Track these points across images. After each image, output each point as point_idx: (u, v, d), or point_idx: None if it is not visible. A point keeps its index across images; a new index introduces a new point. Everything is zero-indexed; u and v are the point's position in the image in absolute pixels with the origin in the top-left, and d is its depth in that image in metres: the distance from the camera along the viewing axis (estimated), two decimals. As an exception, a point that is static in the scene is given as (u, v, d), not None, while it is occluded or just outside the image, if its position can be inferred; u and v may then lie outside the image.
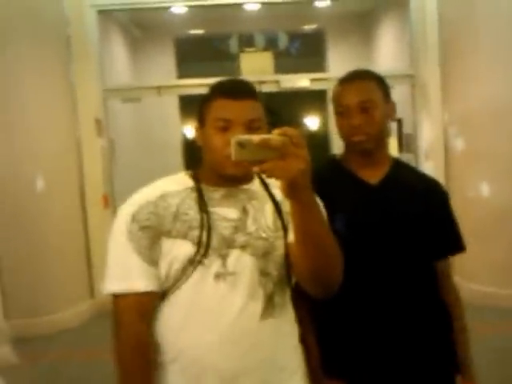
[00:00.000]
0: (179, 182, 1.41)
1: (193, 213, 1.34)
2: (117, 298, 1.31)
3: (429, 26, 5.33)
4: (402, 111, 5.89)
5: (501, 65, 4.63)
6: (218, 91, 1.36)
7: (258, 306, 1.32)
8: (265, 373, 1.34)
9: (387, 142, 1.72)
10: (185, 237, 1.31)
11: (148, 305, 1.31)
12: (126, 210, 1.35)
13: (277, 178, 1.04)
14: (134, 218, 1.33)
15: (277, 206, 1.40)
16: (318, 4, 6.71)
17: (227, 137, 1.26)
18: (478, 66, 4.73)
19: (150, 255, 1.31)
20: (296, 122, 10.14)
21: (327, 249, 1.20)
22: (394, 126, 6.53)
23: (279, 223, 1.38)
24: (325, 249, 1.19)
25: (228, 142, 1.20)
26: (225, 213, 1.35)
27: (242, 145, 1.03)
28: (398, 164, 1.74)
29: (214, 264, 1.30)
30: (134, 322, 1.29)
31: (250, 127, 1.30)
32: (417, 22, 5.53)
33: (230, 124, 1.30)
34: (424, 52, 5.43)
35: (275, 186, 1.41)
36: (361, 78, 1.66)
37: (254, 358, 1.32)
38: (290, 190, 1.06)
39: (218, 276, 1.30)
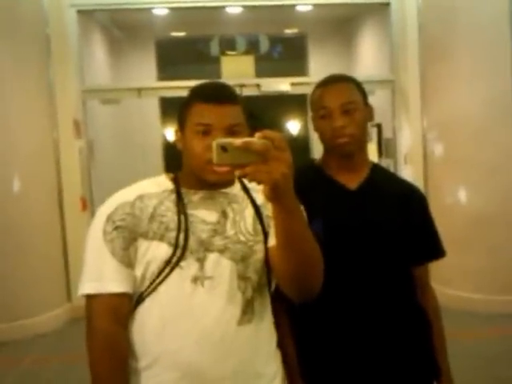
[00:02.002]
0: (158, 183, 1.40)
1: (170, 214, 1.32)
2: (90, 299, 1.29)
3: (409, 32, 5.39)
4: (381, 116, 5.98)
5: (479, 72, 4.69)
6: (197, 95, 1.35)
7: (236, 310, 1.31)
8: (242, 379, 1.32)
9: (367, 146, 1.72)
10: (161, 238, 1.30)
11: (121, 307, 1.29)
12: (103, 210, 1.34)
13: (259, 181, 1.03)
14: (110, 218, 1.31)
15: (257, 210, 1.39)
16: (299, 8, 6.71)
17: (207, 141, 1.25)
18: (457, 73, 4.79)
19: (125, 256, 1.29)
20: (277, 126, 10.15)
21: (309, 252, 1.19)
22: (373, 130, 6.57)
23: (259, 227, 1.37)
24: (306, 252, 1.18)
25: (208, 147, 1.20)
26: (203, 215, 1.34)
27: (223, 148, 1.01)
28: (376, 169, 1.74)
29: (191, 267, 1.29)
30: (107, 324, 1.27)
31: (231, 132, 1.29)
32: (397, 28, 5.59)
33: (210, 128, 1.29)
34: (404, 58, 5.48)
35: (256, 189, 1.40)
36: (341, 80, 1.66)
37: (232, 363, 1.30)
38: (273, 194, 1.05)
39: (196, 279, 1.29)
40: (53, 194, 5.05)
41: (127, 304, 1.31)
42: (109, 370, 1.26)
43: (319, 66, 8.15)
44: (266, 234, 1.37)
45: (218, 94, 1.33)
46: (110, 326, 1.27)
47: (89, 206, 5.34)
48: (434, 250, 1.74)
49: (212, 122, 1.29)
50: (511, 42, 4.58)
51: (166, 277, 1.29)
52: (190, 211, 1.34)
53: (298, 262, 1.19)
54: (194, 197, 1.37)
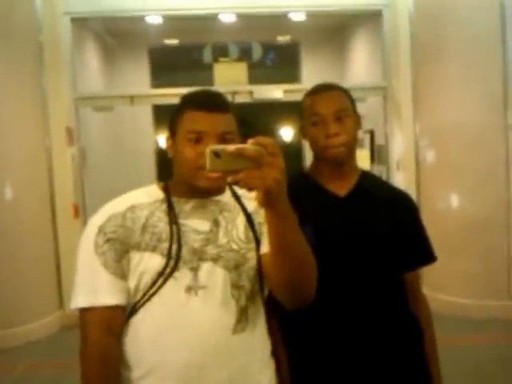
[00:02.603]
0: (150, 193, 1.40)
1: (162, 225, 1.32)
2: (83, 312, 1.28)
3: (401, 40, 5.42)
4: (374, 123, 6.01)
5: (471, 80, 4.73)
6: (189, 103, 1.35)
7: (230, 319, 1.31)
8: None
9: (356, 153, 1.73)
10: (154, 250, 1.29)
11: (115, 319, 1.29)
12: (94, 222, 1.34)
13: (252, 188, 1.03)
14: (101, 230, 1.31)
15: (249, 217, 1.39)
16: (292, 17, 6.74)
17: (199, 149, 1.26)
18: (449, 80, 4.83)
19: (118, 268, 1.29)
20: (270, 133, 10.16)
21: (302, 258, 1.19)
22: (366, 137, 6.60)
23: (251, 235, 1.37)
24: (300, 258, 1.18)
25: (200, 154, 1.21)
26: (195, 225, 1.34)
27: (216, 154, 1.01)
28: (365, 176, 1.74)
29: (184, 277, 1.28)
30: (101, 337, 1.26)
31: (223, 139, 1.29)
32: (389, 36, 5.63)
33: (202, 136, 1.29)
34: (396, 65, 5.51)
35: (247, 197, 1.41)
36: (332, 89, 1.67)
37: (227, 372, 1.30)
38: (266, 200, 1.05)
39: (190, 289, 1.28)
40: (45, 200, 5.03)
41: (121, 316, 1.30)
42: (101, 381, 1.25)
43: (312, 73, 8.18)
44: (258, 242, 1.37)
45: (210, 102, 1.33)
46: (103, 339, 1.26)
47: (81, 213, 5.32)
48: (425, 255, 1.75)
49: (204, 130, 1.29)
50: (502, 49, 4.62)
51: (159, 288, 1.28)
52: (181, 221, 1.33)
53: (291, 269, 1.19)
54: (185, 206, 1.36)
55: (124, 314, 1.31)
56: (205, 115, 1.30)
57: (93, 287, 1.28)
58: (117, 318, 1.29)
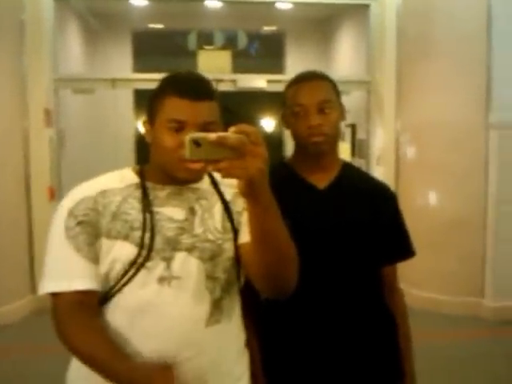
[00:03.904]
0: (123, 178, 1.34)
1: (135, 212, 1.27)
2: (56, 297, 1.24)
3: (387, 35, 5.42)
4: (356, 117, 6.02)
5: (454, 79, 4.75)
6: (172, 88, 1.27)
7: (204, 311, 1.28)
8: (212, 377, 1.30)
9: (338, 145, 1.70)
10: (126, 238, 1.25)
11: (90, 304, 1.25)
12: (64, 205, 1.29)
13: (234, 177, 0.99)
14: (72, 213, 1.26)
15: (226, 206, 1.36)
16: (279, 6, 6.71)
17: (180, 138, 1.20)
18: (432, 78, 4.84)
19: (90, 251, 1.25)
20: (252, 122, 10.15)
21: (284, 249, 1.16)
22: (347, 131, 6.61)
23: (228, 225, 1.34)
24: (281, 248, 1.16)
25: (180, 144, 1.15)
26: (170, 213, 1.30)
27: (197, 143, 0.97)
28: (347, 168, 1.72)
29: (157, 267, 1.25)
30: (75, 316, 1.22)
31: (205, 129, 1.22)
32: (375, 31, 5.62)
33: (183, 125, 1.24)
34: (381, 60, 5.51)
35: (225, 184, 1.37)
36: (318, 78, 1.64)
37: (199, 363, 1.27)
38: (248, 190, 1.02)
39: (162, 280, 1.25)
40: (20, 182, 4.94)
41: (94, 301, 1.26)
42: (85, 333, 1.21)
43: (296, 64, 8.17)
44: (235, 232, 1.34)
45: (195, 89, 1.26)
46: (78, 317, 1.22)
47: (57, 195, 5.24)
48: (404, 249, 1.73)
49: (186, 119, 1.24)
50: (487, 48, 4.65)
51: (131, 278, 1.24)
52: (156, 208, 1.29)
53: (273, 259, 1.16)
54: (160, 192, 1.32)
55: (97, 298, 1.27)
56: (189, 103, 1.24)
57: (64, 272, 1.24)
58: (91, 303, 1.25)
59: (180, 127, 1.24)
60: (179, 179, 1.29)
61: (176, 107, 1.25)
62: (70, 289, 1.23)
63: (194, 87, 1.27)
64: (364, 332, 1.63)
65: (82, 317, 1.23)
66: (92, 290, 1.25)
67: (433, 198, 4.95)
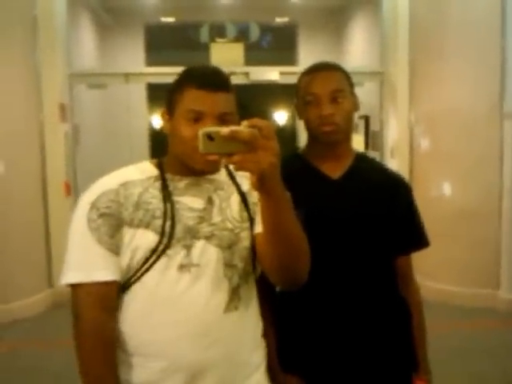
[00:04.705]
0: (143, 170, 1.37)
1: (156, 202, 1.30)
2: (76, 288, 1.26)
3: (400, 25, 5.38)
4: (369, 108, 5.99)
5: (468, 69, 4.71)
6: (191, 80, 1.30)
7: (222, 298, 1.30)
8: (229, 367, 1.32)
9: (351, 135, 1.71)
10: (147, 226, 1.27)
11: (109, 295, 1.27)
12: (86, 198, 1.31)
13: (246, 170, 1.01)
14: (94, 206, 1.28)
15: (243, 196, 1.38)
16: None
17: (198, 128, 1.21)
18: (446, 69, 4.81)
19: (112, 243, 1.27)
20: (264, 115, 10.13)
21: (295, 240, 1.18)
22: (361, 122, 6.58)
23: (245, 214, 1.36)
24: (293, 240, 1.18)
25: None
26: (189, 202, 1.32)
27: (210, 137, 0.99)
28: (361, 158, 1.72)
29: (177, 255, 1.27)
30: (95, 313, 1.25)
31: (223, 120, 1.26)
32: (388, 21, 5.58)
33: (201, 116, 1.27)
34: (394, 51, 5.48)
35: (242, 175, 1.39)
36: (330, 68, 1.64)
37: (218, 351, 1.29)
38: (260, 183, 1.04)
39: (182, 267, 1.27)
40: (36, 177, 4.99)
41: (114, 292, 1.29)
42: (100, 359, 1.24)
43: (309, 56, 8.13)
44: (252, 221, 1.35)
45: (212, 81, 1.29)
46: (97, 315, 1.25)
47: (73, 190, 5.29)
48: (418, 239, 1.73)
49: (204, 110, 1.26)
50: (501, 37, 4.60)
51: (152, 265, 1.27)
52: (175, 198, 1.32)
53: (284, 250, 1.18)
54: (179, 183, 1.35)
55: (117, 289, 1.29)
56: (206, 94, 1.27)
57: (86, 263, 1.27)
58: (111, 294, 1.28)
59: (198, 118, 1.27)
60: (197, 170, 1.31)
61: (194, 98, 1.28)
62: (90, 279, 1.25)
63: (212, 79, 1.30)
64: (378, 322, 1.64)
65: (100, 317, 1.25)
66: (112, 281, 1.27)
67: (447, 188, 4.92)
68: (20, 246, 4.71)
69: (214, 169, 1.35)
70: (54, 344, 3.99)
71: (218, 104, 1.27)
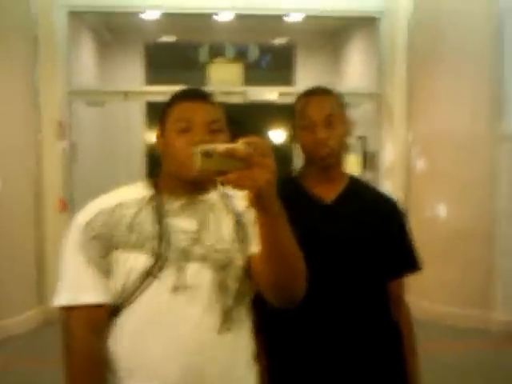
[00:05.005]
0: (137, 191, 1.38)
1: (149, 224, 1.30)
2: (67, 310, 1.27)
3: (397, 47, 5.44)
4: (366, 129, 6.02)
5: (464, 91, 4.77)
6: (178, 97, 1.36)
7: (215, 319, 1.30)
8: None
9: (345, 159, 1.73)
10: (141, 249, 1.27)
11: (99, 317, 1.27)
12: (81, 218, 1.32)
13: (243, 188, 1.01)
14: (88, 227, 1.29)
15: (237, 217, 1.38)
16: (290, 18, 6.75)
17: (189, 137, 1.26)
18: (443, 91, 4.86)
19: (104, 265, 1.27)
20: (260, 133, 10.16)
21: (292, 257, 1.18)
22: (358, 143, 6.60)
23: (239, 235, 1.36)
24: (290, 257, 1.17)
25: (190, 142, 1.22)
26: (183, 224, 1.32)
27: (206, 154, 0.99)
28: (354, 182, 1.74)
29: (171, 277, 1.27)
30: (85, 336, 1.25)
31: (211, 128, 1.29)
32: (385, 43, 5.63)
33: (190, 124, 1.29)
34: (391, 73, 5.53)
35: (236, 196, 1.39)
36: (326, 93, 1.67)
37: (211, 372, 1.28)
38: (257, 201, 1.04)
39: (175, 289, 1.27)
40: (33, 194, 4.99)
41: (104, 314, 1.29)
42: (87, 380, 1.24)
43: (307, 76, 8.18)
44: (245, 242, 1.35)
45: (196, 93, 1.35)
46: (89, 338, 1.25)
47: (69, 207, 5.28)
48: (410, 263, 1.73)
49: (192, 117, 1.29)
50: (497, 60, 4.65)
51: (145, 287, 1.27)
52: (169, 220, 1.32)
53: (281, 268, 1.18)
54: (173, 204, 1.34)
55: (107, 312, 1.29)
56: (192, 104, 1.32)
57: (77, 285, 1.27)
58: (101, 317, 1.28)
59: (187, 127, 1.29)
60: (190, 179, 1.30)
61: (182, 109, 1.32)
62: (81, 302, 1.25)
63: (197, 91, 1.36)
64: (369, 344, 1.64)
65: (89, 339, 1.25)
66: (103, 304, 1.27)
67: (443, 209, 4.94)
68: (13, 261, 4.69)
69: (208, 179, 1.33)
70: (47, 361, 3.94)
71: (204, 112, 1.31)
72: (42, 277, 5.01)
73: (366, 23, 6.46)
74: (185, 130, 1.29)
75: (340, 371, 1.59)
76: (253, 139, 1.01)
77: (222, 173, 1.00)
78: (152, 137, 8.55)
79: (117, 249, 1.28)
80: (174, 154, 1.30)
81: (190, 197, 1.36)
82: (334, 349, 1.60)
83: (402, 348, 1.70)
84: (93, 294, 1.26)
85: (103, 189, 1.40)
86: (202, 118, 1.29)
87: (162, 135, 1.36)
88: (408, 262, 1.73)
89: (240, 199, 1.38)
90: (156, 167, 1.42)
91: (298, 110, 1.67)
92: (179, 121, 1.30)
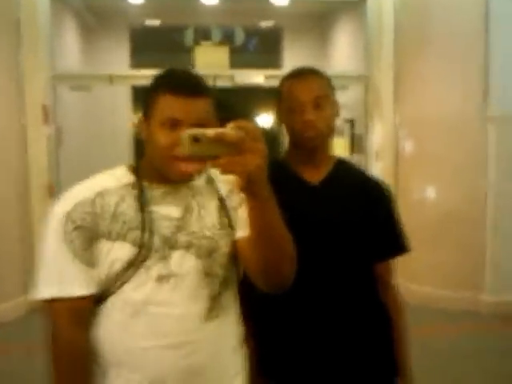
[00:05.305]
0: (119, 177, 1.33)
1: (132, 212, 1.27)
2: (50, 302, 1.24)
3: (384, 29, 5.41)
4: (354, 112, 6.01)
5: (452, 72, 4.76)
6: (166, 85, 1.26)
7: (202, 307, 1.29)
8: (209, 374, 1.30)
9: (332, 141, 1.70)
10: (124, 238, 1.25)
11: (84, 309, 1.26)
12: (61, 208, 1.28)
13: (233, 173, 0.98)
14: (69, 217, 1.25)
15: (222, 201, 1.36)
16: (276, 1, 6.70)
17: (174, 136, 1.19)
18: (430, 72, 4.85)
19: (87, 256, 1.25)
20: (249, 118, 10.13)
21: (282, 242, 1.17)
22: (346, 126, 6.60)
23: (224, 220, 1.34)
24: (280, 242, 1.16)
25: (175, 142, 1.17)
26: (166, 211, 1.30)
27: (195, 139, 0.96)
28: (341, 164, 1.72)
29: (156, 266, 1.25)
30: (70, 328, 1.23)
31: (200, 127, 1.19)
32: (373, 25, 5.61)
33: (178, 123, 1.22)
34: (378, 55, 5.51)
35: (220, 180, 1.37)
36: (313, 74, 1.64)
37: (197, 359, 1.28)
38: (247, 186, 1.01)
39: (161, 278, 1.25)
40: (19, 180, 4.94)
41: (89, 306, 1.27)
42: (74, 373, 1.24)
43: (294, 59, 8.15)
44: (231, 227, 1.34)
45: (188, 86, 1.25)
46: (73, 330, 1.23)
47: (56, 193, 5.23)
48: (396, 246, 1.72)
49: (181, 117, 1.22)
50: (485, 42, 4.64)
51: (130, 277, 1.25)
52: (152, 207, 1.29)
53: (271, 253, 1.16)
54: (156, 191, 1.31)
55: (92, 303, 1.27)
56: (182, 101, 1.23)
57: (61, 277, 1.24)
58: (86, 309, 1.26)
59: (173, 123, 1.23)
60: (172, 179, 1.28)
61: (171, 105, 1.24)
62: (66, 294, 1.23)
63: (189, 84, 1.26)
64: (358, 328, 1.64)
65: (75, 331, 1.24)
66: (88, 296, 1.25)
67: (431, 191, 4.95)
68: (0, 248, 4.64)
69: (190, 178, 1.33)
70: (34, 348, 3.91)
71: (195, 111, 1.23)
72: (28, 264, 4.96)
73: (353, 6, 6.43)
74: (171, 127, 1.23)
75: (329, 354, 1.59)
76: (243, 123, 0.98)
77: (211, 158, 0.98)
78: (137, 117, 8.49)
79: (100, 239, 1.25)
80: (157, 151, 1.26)
81: (174, 184, 1.33)
82: (322, 333, 1.59)
83: (390, 330, 1.69)
84: (78, 286, 1.24)
85: (89, 172, 1.36)
86: (191, 117, 1.22)
87: (146, 121, 1.30)
88: (395, 244, 1.72)
89: (224, 183, 1.37)
90: (142, 151, 1.38)
91: (284, 91, 1.63)
92: (165, 116, 1.24)
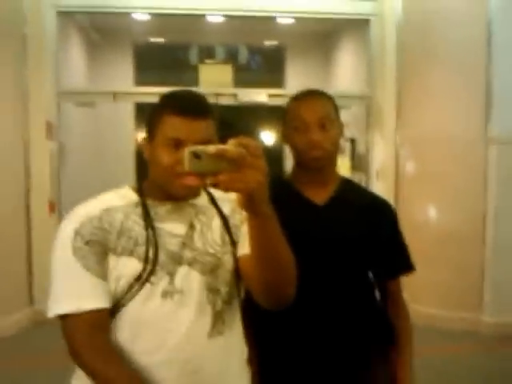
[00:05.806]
0: (123, 196, 1.35)
1: (138, 229, 1.28)
2: (69, 318, 1.23)
3: (387, 50, 5.45)
4: (356, 131, 6.03)
5: (454, 93, 4.78)
6: (170, 106, 1.28)
7: (206, 323, 1.29)
8: None
9: (337, 161, 1.72)
10: (131, 254, 1.26)
11: (101, 320, 1.25)
12: (69, 225, 1.28)
13: (234, 190, 0.98)
14: (78, 233, 1.26)
15: (224, 220, 1.37)
16: (280, 21, 6.76)
17: (177, 155, 1.21)
18: (433, 92, 4.87)
19: (100, 269, 1.25)
20: (251, 135, 10.16)
21: (283, 260, 1.16)
22: (347, 145, 6.63)
23: (227, 238, 1.35)
24: (281, 260, 1.16)
25: (178, 161, 1.18)
26: (171, 228, 1.31)
27: (196, 155, 0.97)
28: (346, 183, 1.74)
29: (161, 281, 1.26)
30: (88, 334, 1.22)
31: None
32: (376, 46, 5.65)
33: (181, 143, 1.24)
34: (381, 75, 5.54)
35: (223, 199, 1.39)
36: (319, 95, 1.67)
37: (203, 376, 1.28)
38: (248, 203, 1.01)
39: (166, 294, 1.26)
40: (20, 195, 4.94)
41: (106, 317, 1.26)
42: (100, 360, 1.21)
43: (296, 78, 8.20)
44: (234, 245, 1.35)
45: (191, 107, 1.27)
46: (93, 335, 1.22)
47: (57, 209, 5.25)
48: (403, 264, 1.74)
49: (184, 137, 1.24)
50: (487, 63, 4.67)
51: (136, 292, 1.25)
52: (157, 224, 1.30)
53: (272, 271, 1.16)
54: (160, 209, 1.33)
55: (108, 316, 1.26)
56: (185, 122, 1.24)
57: (76, 292, 1.24)
58: (103, 319, 1.25)
59: (178, 144, 1.24)
60: (176, 196, 1.30)
61: (174, 126, 1.25)
62: (84, 308, 1.22)
63: (192, 106, 1.27)
64: (361, 347, 1.63)
65: (98, 339, 1.23)
66: (103, 308, 1.25)
67: (432, 211, 4.95)
68: (2, 262, 4.63)
69: (194, 194, 1.34)
70: (37, 362, 3.91)
71: (198, 131, 1.25)
72: (31, 278, 4.96)
73: (356, 26, 6.49)
74: (175, 147, 1.25)
75: (331, 370, 1.59)
76: (244, 140, 0.98)
77: (212, 174, 0.98)
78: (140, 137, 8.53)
79: (109, 253, 1.26)
80: (160, 169, 1.28)
81: (177, 201, 1.34)
82: (325, 348, 1.59)
83: (393, 350, 1.69)
84: (96, 300, 1.23)
85: (92, 190, 1.38)
86: (193, 138, 1.23)
87: (149, 141, 1.32)
88: (405, 261, 1.74)
89: (227, 202, 1.38)
90: (145, 169, 1.39)
91: (290, 111, 1.66)
92: (170, 136, 1.25)
